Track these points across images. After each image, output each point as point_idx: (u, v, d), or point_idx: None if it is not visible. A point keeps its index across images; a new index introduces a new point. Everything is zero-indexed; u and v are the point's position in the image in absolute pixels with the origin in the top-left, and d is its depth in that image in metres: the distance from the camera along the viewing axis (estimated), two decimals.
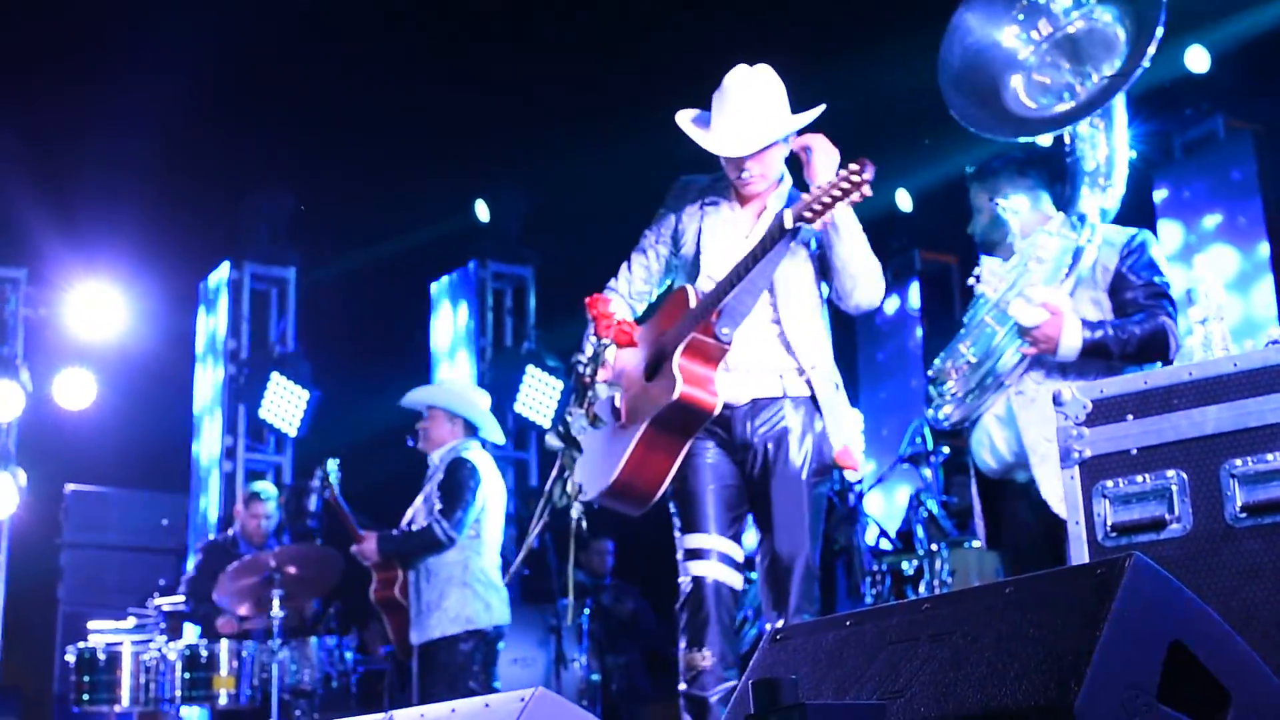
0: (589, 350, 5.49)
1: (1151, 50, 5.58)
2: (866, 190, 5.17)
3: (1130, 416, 4.25)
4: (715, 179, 5.76)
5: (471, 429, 8.94)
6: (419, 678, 8.59)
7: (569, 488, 5.44)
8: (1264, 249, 10.58)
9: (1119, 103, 5.84)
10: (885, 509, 11.86)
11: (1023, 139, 6.20)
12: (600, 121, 11.09)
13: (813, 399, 5.50)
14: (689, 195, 5.77)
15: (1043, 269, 5.79)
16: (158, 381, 13.50)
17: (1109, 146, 5.87)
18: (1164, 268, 5.85)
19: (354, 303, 13.56)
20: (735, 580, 5.54)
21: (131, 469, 13.30)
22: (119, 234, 12.42)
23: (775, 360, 5.52)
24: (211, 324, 13.58)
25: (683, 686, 5.45)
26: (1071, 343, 5.60)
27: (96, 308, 12.60)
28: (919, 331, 13.46)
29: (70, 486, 12.95)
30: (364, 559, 8.76)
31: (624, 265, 5.86)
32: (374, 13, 11.53)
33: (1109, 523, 4.22)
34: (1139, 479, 4.20)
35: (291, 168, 12.82)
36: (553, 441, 5.54)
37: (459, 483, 8.65)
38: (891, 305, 13.67)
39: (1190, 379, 4.18)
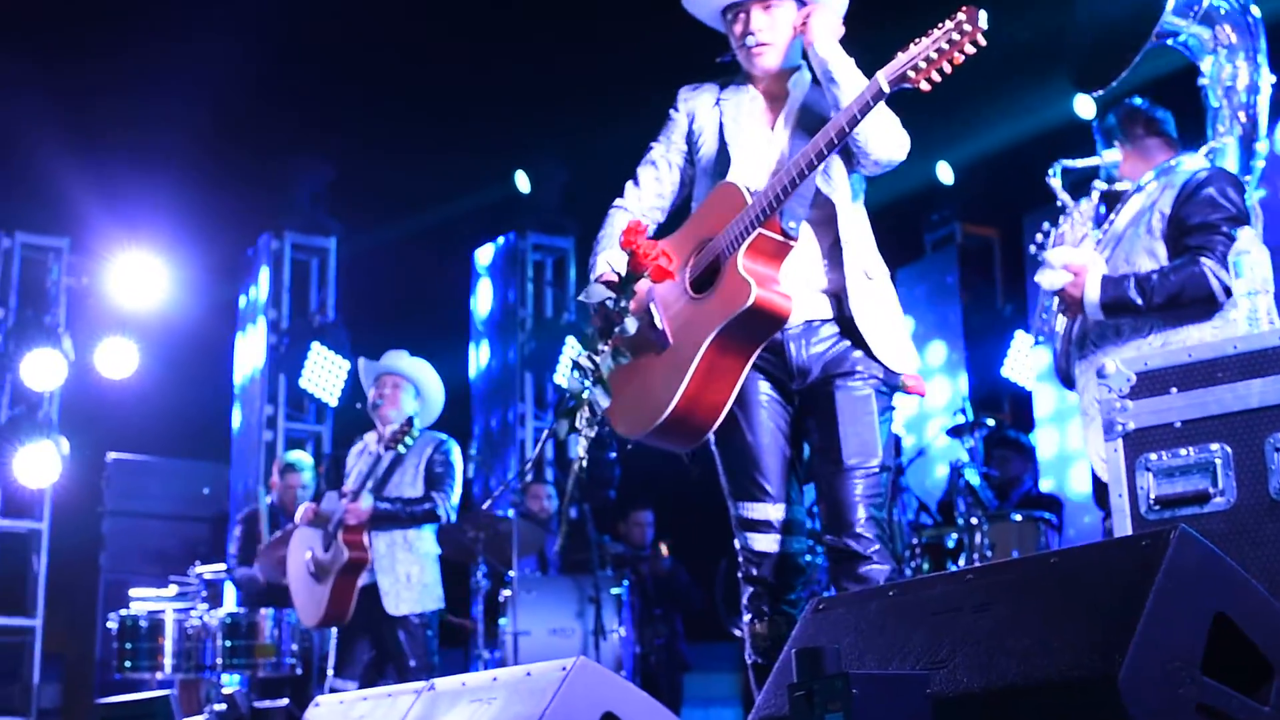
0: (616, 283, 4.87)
1: None
2: (980, 40, 4.33)
3: (1174, 389, 4.22)
4: (724, 82, 5.11)
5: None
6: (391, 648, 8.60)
7: (577, 421, 4.80)
8: None
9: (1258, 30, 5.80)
10: (925, 482, 11.83)
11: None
12: (640, 92, 11.06)
13: (871, 318, 4.81)
14: (699, 96, 5.10)
15: (1077, 229, 5.77)
16: (199, 351, 13.56)
17: (1234, 71, 5.84)
18: (1227, 199, 5.58)
19: (394, 273, 13.57)
20: (801, 550, 4.99)
21: (173, 438, 13.37)
22: (161, 204, 12.46)
23: (829, 274, 4.84)
24: (253, 293, 13.62)
25: (752, 658, 4.97)
26: (1092, 297, 5.55)
27: (138, 277, 12.65)
28: (960, 305, 13.41)
29: (112, 455, 13.03)
30: (352, 517, 8.66)
31: (630, 182, 5.23)
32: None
33: (1153, 496, 4.20)
34: (1183, 452, 4.18)
35: (332, 138, 12.84)
36: (568, 383, 4.97)
37: (453, 465, 8.74)
38: (932, 278, 13.62)
39: (1235, 352, 4.16)
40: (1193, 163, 5.73)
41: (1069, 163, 5.97)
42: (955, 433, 10.74)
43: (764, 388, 4.89)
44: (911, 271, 13.75)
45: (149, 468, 13.12)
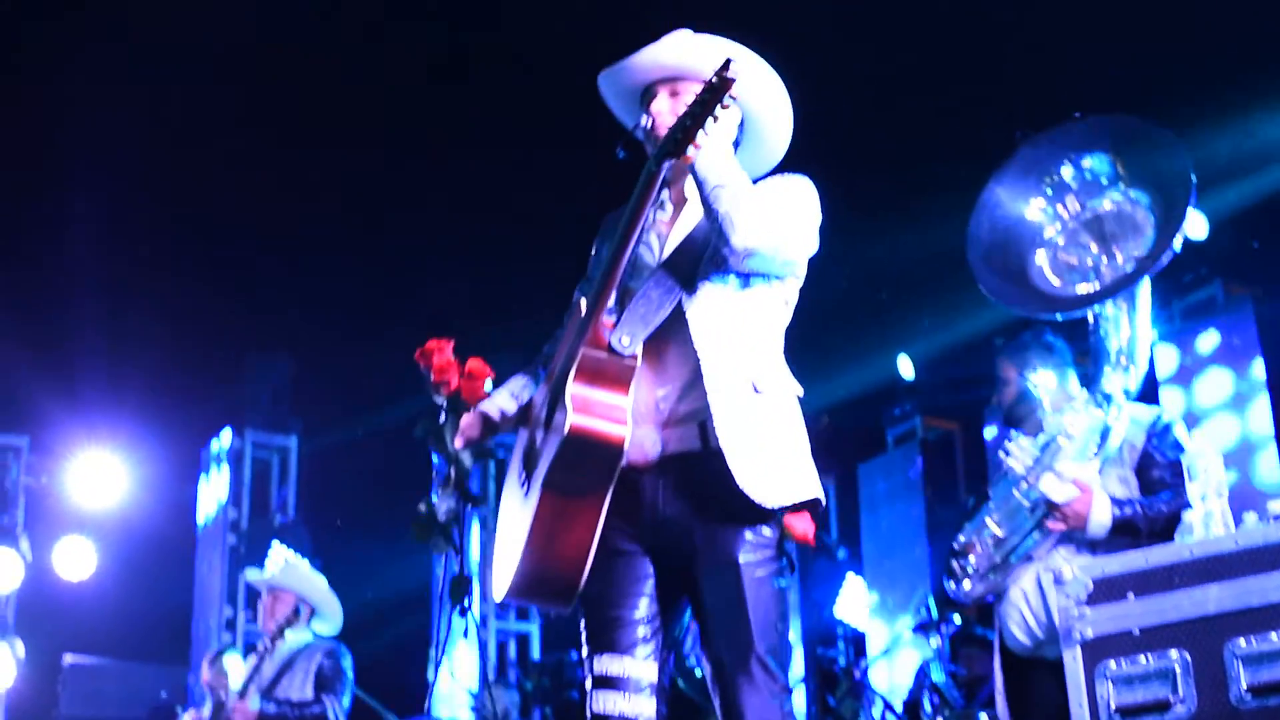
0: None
1: (1179, 240, 5.59)
2: (733, 90, 3.90)
3: (1131, 595, 4.21)
4: None
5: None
6: None
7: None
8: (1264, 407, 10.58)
9: (1143, 285, 5.86)
10: (891, 680, 11.73)
11: (1046, 316, 6.21)
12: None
13: (743, 442, 4.10)
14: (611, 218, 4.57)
15: (1072, 445, 5.78)
16: (158, 551, 13.45)
17: (1131, 328, 5.88)
18: (1189, 447, 5.75)
19: (356, 470, 13.52)
20: (647, 708, 4.23)
21: (131, 640, 13.20)
22: (120, 402, 12.45)
23: (693, 396, 4.16)
24: (213, 493, 13.53)
25: None
26: (1101, 519, 5.55)
27: (98, 476, 12.59)
28: (923, 499, 13.40)
29: (69, 658, 12.84)
30: (239, 716, 8.53)
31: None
32: (376, 190, 11.62)
33: (1113, 705, 4.16)
34: (1142, 659, 4.15)
35: (292, 334, 12.86)
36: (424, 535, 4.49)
37: (345, 670, 8.64)
38: (895, 473, 13.63)
39: (1191, 557, 4.15)
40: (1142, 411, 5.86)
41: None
42: (921, 629, 10.67)
43: (620, 538, 4.22)
44: (874, 466, 13.76)
45: (106, 671, 12.93)
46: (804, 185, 4.31)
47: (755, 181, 4.25)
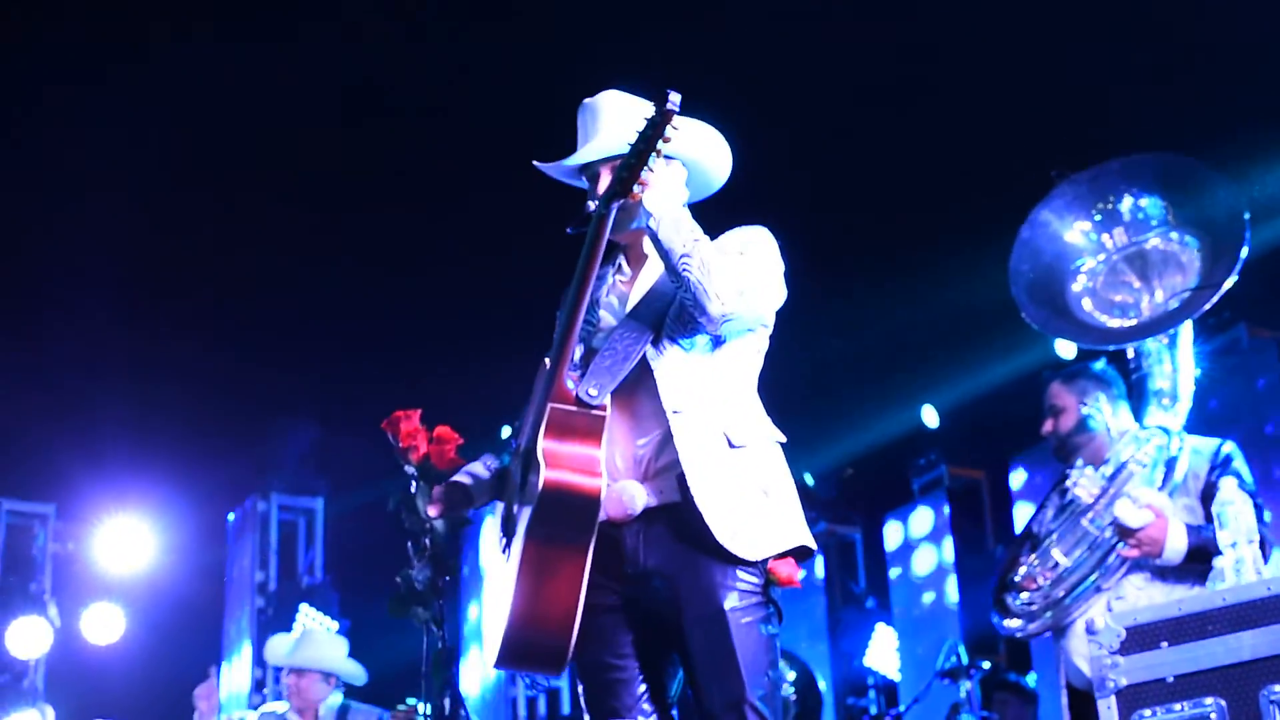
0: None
1: (1229, 283, 5.61)
2: (675, 122, 3.85)
3: (1165, 644, 4.19)
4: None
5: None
6: None
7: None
8: None
9: (1186, 324, 5.87)
10: None
11: (1089, 347, 6.22)
12: None
13: (723, 500, 4.03)
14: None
15: (1143, 473, 5.79)
16: (187, 615, 13.46)
17: (1174, 365, 5.89)
18: (1248, 478, 5.78)
19: (383, 530, 13.50)
20: None
21: (160, 704, 13.17)
22: (146, 468, 12.49)
23: (670, 449, 4.08)
24: (240, 556, 13.55)
25: None
26: (1177, 545, 5.54)
27: (125, 542, 12.65)
28: (950, 546, 13.36)
29: None
30: None
31: None
32: (401, 251, 11.65)
33: None
34: (1177, 707, 4.13)
35: (316, 397, 12.89)
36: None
37: None
38: (923, 522, 13.59)
39: (1224, 604, 4.13)
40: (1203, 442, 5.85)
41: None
42: (948, 675, 10.61)
43: (607, 595, 4.11)
44: (900, 515, 13.74)
45: None
46: (764, 238, 4.26)
47: (711, 235, 4.18)
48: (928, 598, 13.41)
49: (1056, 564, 5.90)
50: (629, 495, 4.08)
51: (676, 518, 4.05)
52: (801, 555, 4.17)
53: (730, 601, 4.02)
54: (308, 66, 10.13)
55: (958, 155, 9.85)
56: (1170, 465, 5.78)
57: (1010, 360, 11.24)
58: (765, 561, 4.07)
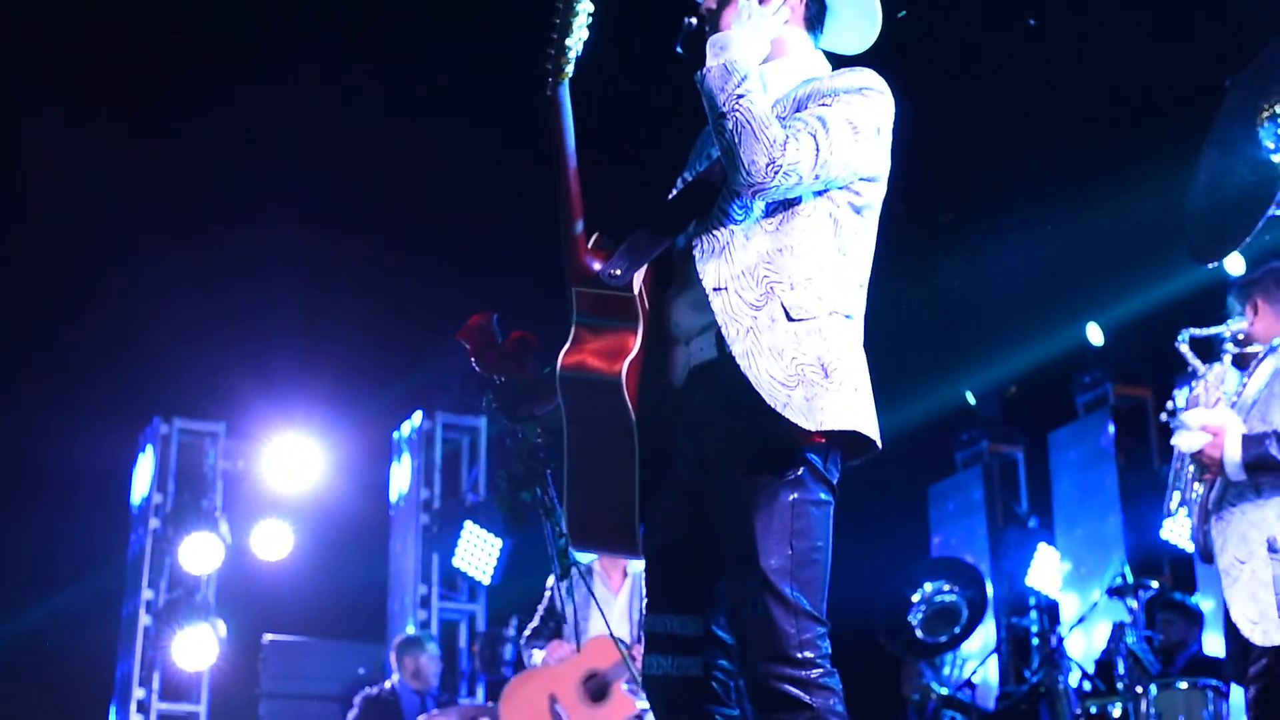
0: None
1: None
2: None
3: None
4: None
5: None
6: None
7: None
8: None
9: None
10: (1089, 648, 11.60)
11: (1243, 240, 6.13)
12: None
13: (773, 360, 3.76)
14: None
15: (1213, 392, 5.74)
16: (353, 532, 13.64)
17: None
18: None
19: (544, 447, 13.57)
20: (694, 667, 3.94)
21: (329, 619, 13.42)
22: (313, 388, 12.66)
23: (719, 303, 3.82)
24: (405, 474, 13.70)
25: None
26: (1233, 457, 5.48)
27: (293, 460, 12.84)
28: (1115, 467, 13.22)
29: (268, 637, 13.09)
30: None
31: None
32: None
33: None
34: None
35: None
36: None
37: None
38: (1088, 440, 13.45)
39: None
40: None
41: (1196, 331, 5.96)
42: (1116, 593, 10.53)
43: (677, 471, 3.95)
44: (1065, 434, 13.61)
45: (305, 649, 13.14)
46: (856, 100, 3.89)
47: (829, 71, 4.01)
48: (1091, 518, 13.29)
49: (1187, 481, 5.88)
50: (681, 361, 3.96)
51: (719, 375, 3.83)
52: (856, 446, 3.87)
53: (756, 458, 3.78)
54: None
55: (1126, 65, 9.68)
56: (1248, 370, 5.74)
57: (1177, 277, 11.08)
58: (808, 434, 3.74)
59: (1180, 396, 5.90)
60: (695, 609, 3.93)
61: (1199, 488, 5.74)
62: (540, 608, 8.91)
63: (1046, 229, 10.81)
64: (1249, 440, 5.49)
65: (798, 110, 3.89)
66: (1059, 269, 11.31)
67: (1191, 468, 5.75)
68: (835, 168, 3.83)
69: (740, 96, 3.76)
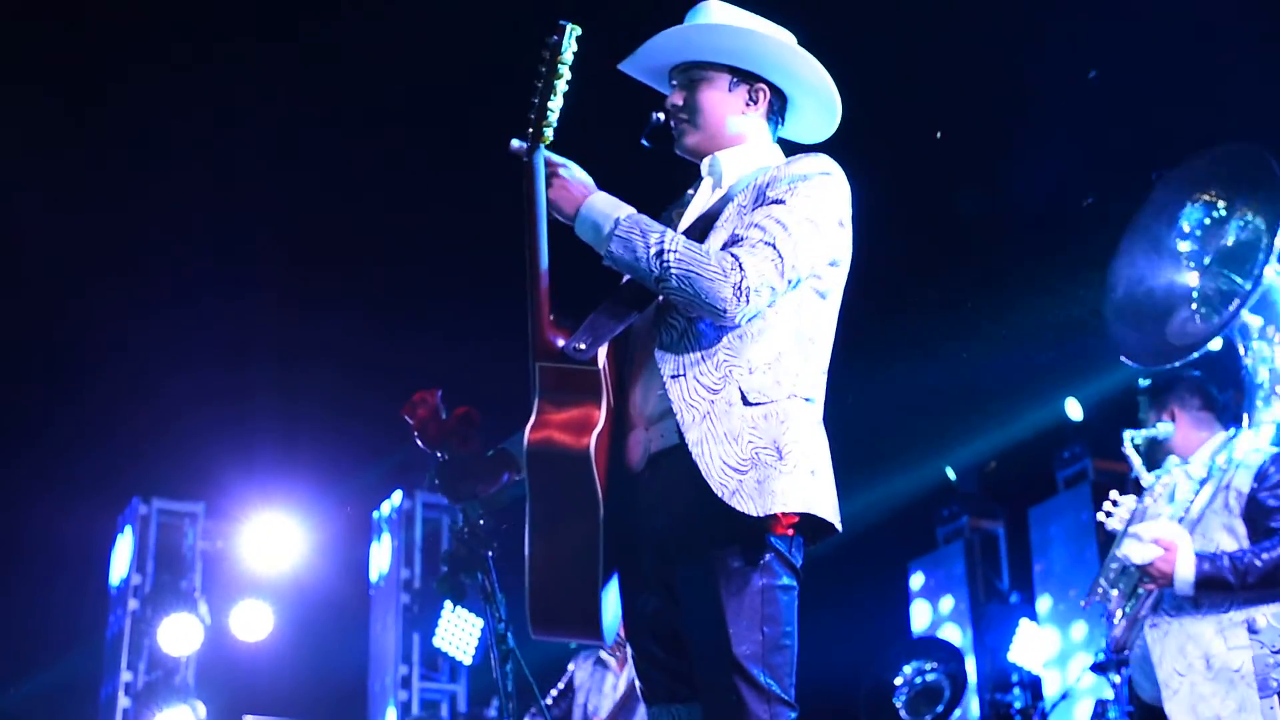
0: None
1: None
2: (568, 52, 3.78)
3: None
4: None
5: None
6: None
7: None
8: None
9: None
10: None
11: (1176, 363, 6.19)
12: None
13: (728, 446, 3.74)
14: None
15: (1160, 505, 5.80)
16: (333, 611, 13.61)
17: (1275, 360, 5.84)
18: None
19: (508, 534, 13.54)
20: None
21: (309, 700, 13.34)
22: (293, 467, 12.64)
23: (676, 390, 3.80)
24: (385, 553, 13.67)
25: None
26: (1185, 575, 5.54)
27: (272, 540, 12.82)
28: (1095, 541, 13.21)
29: (248, 718, 13.02)
30: None
31: None
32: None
33: None
34: None
35: (460, 398, 12.95)
36: None
37: None
38: (1066, 516, 13.46)
39: None
40: (1251, 441, 5.78)
41: (1133, 433, 6.04)
42: (1099, 669, 10.52)
43: (644, 558, 3.92)
44: (1045, 509, 13.62)
45: None
46: (814, 192, 3.90)
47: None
48: (1072, 593, 13.28)
49: (1106, 588, 5.95)
50: (640, 445, 3.91)
51: (678, 463, 3.78)
52: (815, 530, 3.83)
53: (720, 546, 3.74)
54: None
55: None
56: (1202, 486, 5.77)
57: None
58: (768, 520, 3.68)
59: (1120, 499, 5.97)
60: (695, 697, 3.88)
61: (1137, 594, 5.80)
62: (560, 684, 8.83)
63: (1026, 304, 10.86)
64: (1202, 558, 5.54)
65: (757, 201, 3.90)
66: (1039, 344, 11.35)
67: (1117, 574, 5.84)
68: (803, 268, 3.84)
69: (659, 253, 3.75)
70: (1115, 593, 5.92)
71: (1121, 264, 6.25)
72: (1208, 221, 6.09)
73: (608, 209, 3.84)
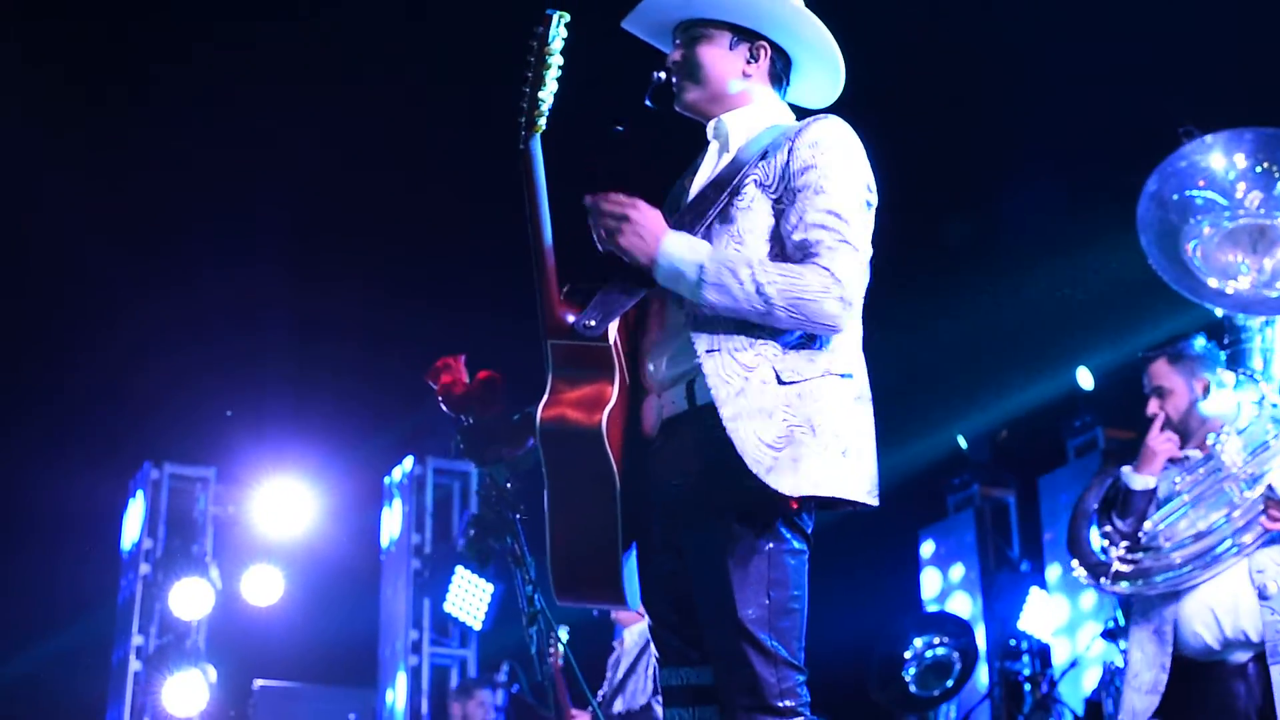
0: None
1: None
2: (556, 40, 3.83)
3: None
4: None
5: None
6: None
7: None
8: None
9: None
10: (1079, 692, 11.59)
11: (1210, 305, 6.17)
12: None
13: (758, 421, 3.70)
14: None
15: (1236, 452, 5.72)
16: (344, 577, 13.63)
17: (1265, 345, 5.83)
18: None
19: (535, 495, 13.57)
20: (713, 716, 3.89)
21: (319, 664, 13.39)
22: (305, 432, 12.65)
23: (711, 365, 3.78)
24: (396, 519, 13.69)
25: None
26: None
27: (283, 505, 12.83)
28: None
29: (259, 682, 13.06)
30: None
31: None
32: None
33: None
34: None
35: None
36: None
37: None
38: (1077, 484, 13.45)
39: None
40: None
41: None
42: (1109, 636, 10.52)
43: (657, 521, 3.93)
44: (1056, 478, 13.61)
45: (296, 694, 13.11)
46: (845, 169, 3.88)
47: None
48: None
49: (1189, 526, 5.84)
50: (654, 414, 3.94)
51: (689, 427, 3.84)
52: (835, 502, 3.79)
53: (730, 510, 3.75)
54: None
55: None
56: None
57: (1165, 322, 11.11)
58: (787, 496, 3.68)
59: (1233, 437, 5.89)
60: (707, 659, 3.88)
61: (1248, 538, 5.68)
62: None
63: (1038, 272, 10.84)
64: None
65: (784, 181, 3.88)
66: (1050, 313, 11.33)
67: (1238, 505, 5.74)
68: (869, 248, 3.88)
69: (758, 289, 3.73)
70: (1182, 534, 5.82)
71: (1152, 204, 6.25)
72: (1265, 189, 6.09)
73: (685, 253, 3.80)
